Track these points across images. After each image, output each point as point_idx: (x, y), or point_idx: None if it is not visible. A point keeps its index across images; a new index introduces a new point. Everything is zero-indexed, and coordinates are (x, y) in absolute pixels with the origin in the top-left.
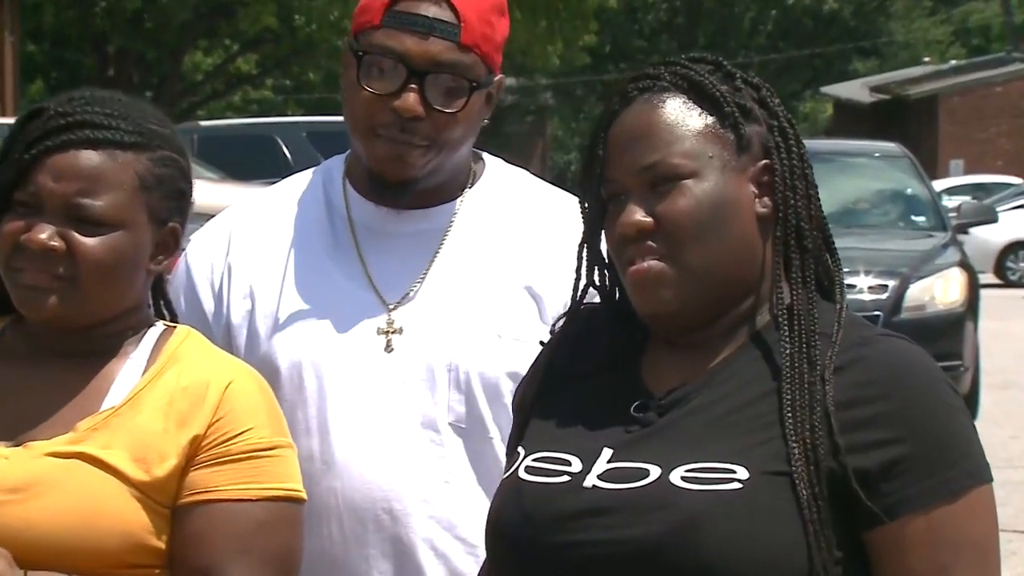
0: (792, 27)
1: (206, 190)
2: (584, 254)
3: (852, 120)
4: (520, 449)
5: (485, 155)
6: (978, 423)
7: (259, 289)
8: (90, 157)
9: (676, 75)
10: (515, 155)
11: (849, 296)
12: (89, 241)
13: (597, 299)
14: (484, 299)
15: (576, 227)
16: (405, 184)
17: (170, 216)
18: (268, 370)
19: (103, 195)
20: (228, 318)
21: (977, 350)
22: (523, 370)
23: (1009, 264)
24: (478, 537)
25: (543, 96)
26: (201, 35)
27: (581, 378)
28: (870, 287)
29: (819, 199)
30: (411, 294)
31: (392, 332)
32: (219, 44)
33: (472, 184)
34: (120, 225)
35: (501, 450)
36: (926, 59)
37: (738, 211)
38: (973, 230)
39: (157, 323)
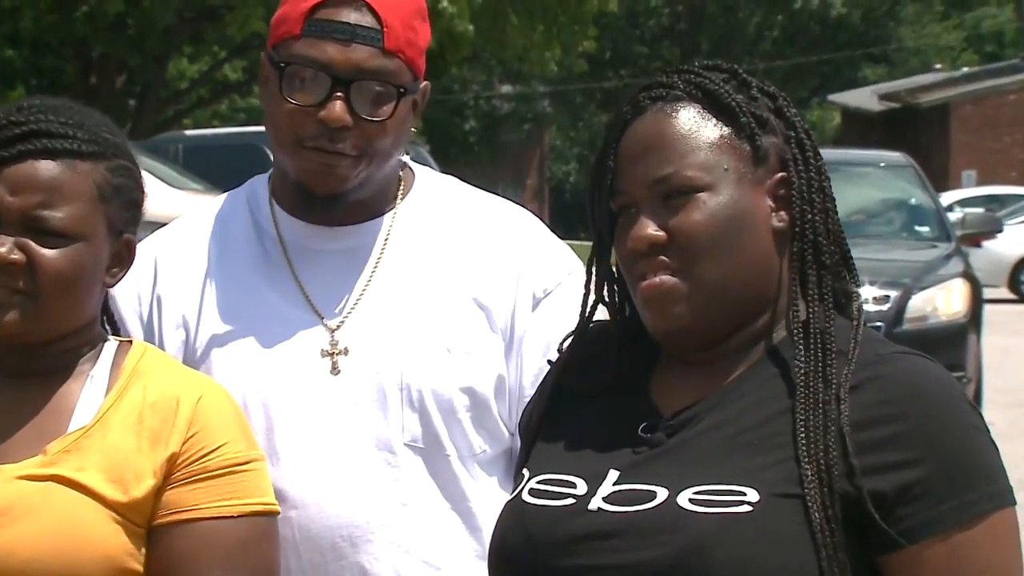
0: (798, 33)
1: (191, 202)
2: (593, 269)
3: (861, 129)
4: (525, 471)
5: (412, 164)
6: None
7: (192, 318)
8: (49, 168)
9: (690, 83)
10: (512, 165)
11: None
12: (50, 253)
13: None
14: (429, 313)
15: (514, 232)
16: (335, 197)
17: (125, 227)
18: None
19: (63, 206)
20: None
21: (980, 362)
22: (476, 384)
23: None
24: (441, 559)
25: (540, 104)
26: (186, 41)
27: (589, 399)
28: (875, 298)
29: (837, 212)
30: (353, 312)
31: (337, 353)
32: (205, 50)
33: (404, 195)
34: (80, 237)
35: (459, 467)
36: (937, 66)
37: (754, 225)
38: (986, 243)
39: (110, 338)
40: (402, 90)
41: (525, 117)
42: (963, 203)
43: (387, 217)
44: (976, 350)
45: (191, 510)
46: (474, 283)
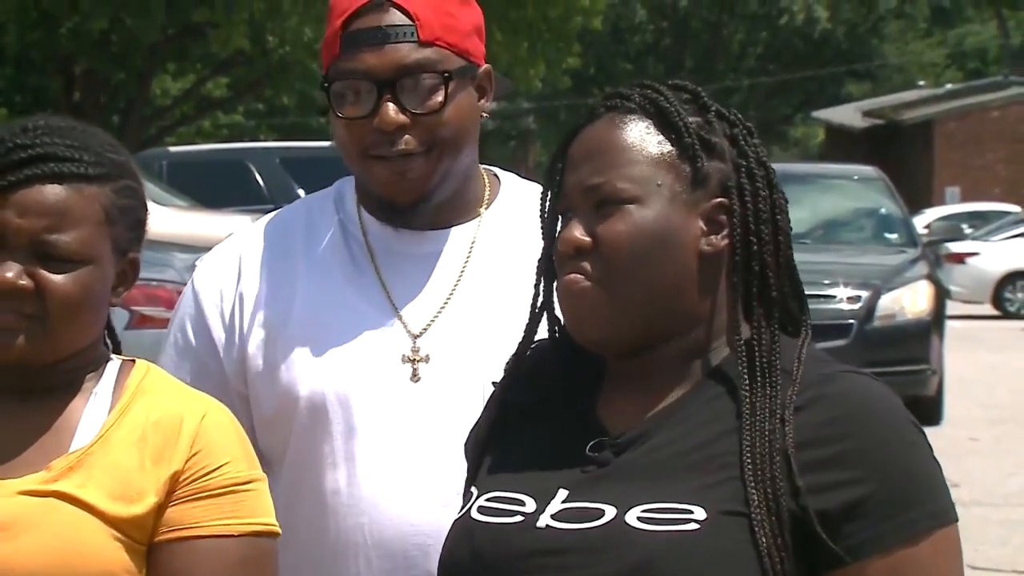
0: (782, 49)
1: (176, 218)
2: (543, 269)
3: (844, 146)
4: (473, 489)
5: (499, 171)
6: (977, 459)
7: (275, 318)
8: (56, 192)
9: (646, 98)
10: None
11: (828, 306)
12: (57, 278)
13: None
14: (513, 321)
15: None
16: (417, 202)
17: (130, 246)
18: (288, 401)
19: (70, 231)
20: (242, 349)
21: (942, 356)
22: None
23: (1007, 295)
24: None
25: (525, 120)
26: (170, 57)
27: (535, 415)
28: (848, 298)
29: (790, 244)
30: (436, 319)
31: (418, 360)
32: (189, 67)
33: (489, 202)
34: (87, 260)
35: None
36: (921, 83)
37: (678, 245)
38: (970, 260)
39: (113, 357)
40: (447, 74)
41: (510, 134)
42: (947, 219)
43: (473, 223)
44: (938, 346)
45: (191, 527)
46: None
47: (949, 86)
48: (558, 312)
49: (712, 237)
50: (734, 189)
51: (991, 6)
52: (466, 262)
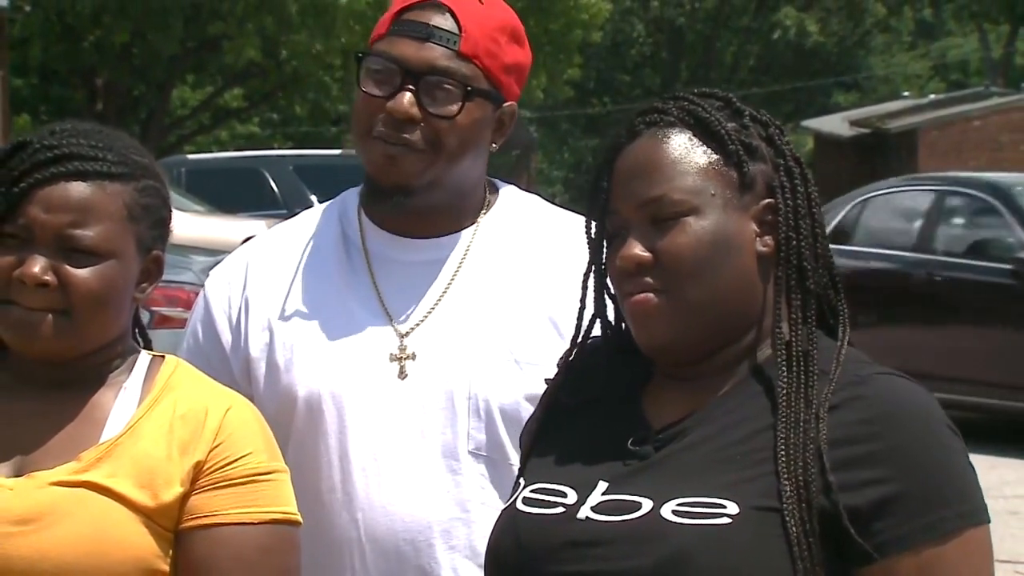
0: (773, 61)
1: (194, 223)
2: (589, 284)
3: (833, 154)
4: (521, 480)
5: (499, 183)
6: None
7: (277, 321)
8: (79, 188)
9: (684, 110)
10: None
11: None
12: (81, 272)
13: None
14: (499, 325)
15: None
16: (399, 189)
17: (153, 244)
18: (287, 401)
19: (93, 225)
20: (247, 351)
21: None
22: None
23: None
24: None
25: (527, 130)
26: (188, 69)
27: (584, 411)
28: None
29: (826, 237)
30: (424, 320)
31: (405, 358)
32: (207, 79)
33: (486, 211)
34: (110, 255)
35: None
36: (905, 93)
37: (738, 249)
38: None
39: (142, 352)
40: (469, 89)
41: (513, 143)
42: None
43: (468, 231)
44: None
45: (213, 515)
46: (549, 299)
47: (932, 96)
48: (611, 317)
49: (766, 238)
50: (778, 188)
51: (972, 20)
52: (458, 267)
